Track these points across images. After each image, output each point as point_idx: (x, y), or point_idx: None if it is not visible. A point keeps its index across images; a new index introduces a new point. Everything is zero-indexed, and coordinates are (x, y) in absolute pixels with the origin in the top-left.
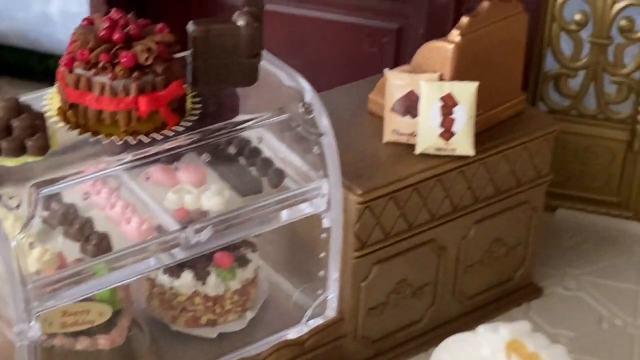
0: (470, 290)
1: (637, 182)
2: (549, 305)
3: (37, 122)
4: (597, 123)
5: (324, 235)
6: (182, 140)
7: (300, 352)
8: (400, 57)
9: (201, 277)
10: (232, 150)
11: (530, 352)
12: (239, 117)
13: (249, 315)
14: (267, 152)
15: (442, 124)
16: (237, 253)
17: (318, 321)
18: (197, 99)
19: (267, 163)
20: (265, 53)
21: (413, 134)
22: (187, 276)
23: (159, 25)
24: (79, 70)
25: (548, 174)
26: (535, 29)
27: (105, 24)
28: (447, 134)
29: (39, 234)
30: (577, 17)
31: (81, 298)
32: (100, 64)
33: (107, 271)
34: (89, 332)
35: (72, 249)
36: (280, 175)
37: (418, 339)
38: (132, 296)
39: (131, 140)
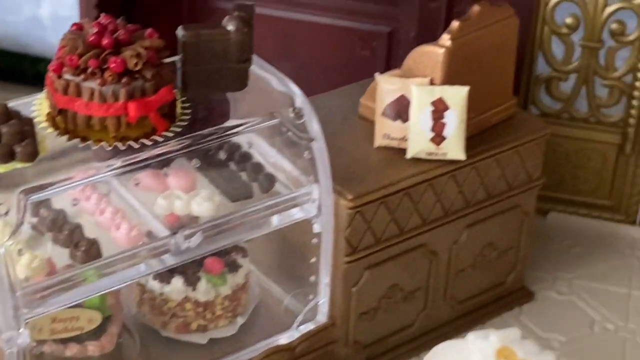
0: (461, 294)
1: (629, 185)
2: (541, 310)
3: (26, 128)
4: (589, 126)
5: (314, 241)
6: (172, 145)
7: (291, 357)
8: (392, 60)
9: (191, 282)
10: (222, 155)
11: (520, 359)
12: (229, 122)
13: (240, 320)
14: (257, 157)
15: (433, 129)
16: (228, 258)
17: (309, 326)
18: (187, 104)
19: (258, 168)
20: (255, 58)
21: (404, 139)
22: (178, 282)
23: (148, 31)
24: (67, 76)
25: (539, 177)
26: (526, 32)
27: (95, 30)
28: (438, 138)
29: (28, 240)
30: (568, 20)
31: (71, 305)
32: (89, 70)
33: (96, 277)
34: (79, 339)
35: (61, 255)
36: (270, 180)
37: (410, 344)
38: (122, 302)
39: (120, 145)
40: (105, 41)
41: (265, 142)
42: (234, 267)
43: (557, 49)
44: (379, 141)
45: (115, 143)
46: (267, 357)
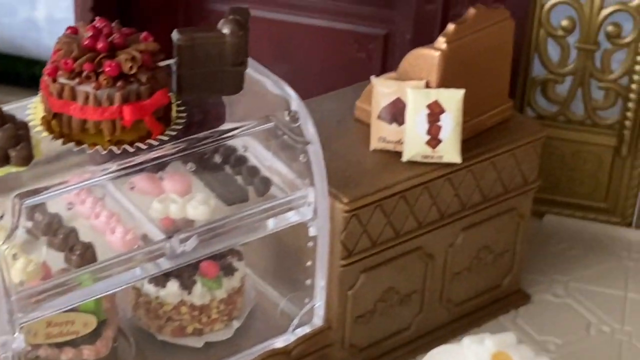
0: (457, 297)
1: (624, 187)
2: (537, 312)
3: (20, 132)
4: (585, 129)
5: (310, 244)
6: (167, 149)
7: None
8: (388, 62)
9: (187, 286)
10: (217, 158)
11: None
12: (225, 126)
13: (236, 324)
14: (253, 161)
15: (429, 132)
16: (223, 262)
17: (305, 330)
18: (182, 108)
19: (253, 171)
20: (250, 61)
21: (400, 142)
22: (173, 286)
23: (143, 34)
24: (62, 80)
25: (535, 180)
26: (522, 34)
27: (89, 33)
28: (434, 141)
29: (23, 244)
30: (564, 22)
31: (66, 309)
32: (84, 73)
33: (91, 282)
34: (74, 343)
35: (56, 259)
36: (266, 183)
37: (406, 347)
38: (117, 306)
39: (116, 149)
40: (100, 45)
41: (261, 146)
42: (229, 270)
43: (553, 51)
44: (374, 144)
45: (110, 147)
46: None
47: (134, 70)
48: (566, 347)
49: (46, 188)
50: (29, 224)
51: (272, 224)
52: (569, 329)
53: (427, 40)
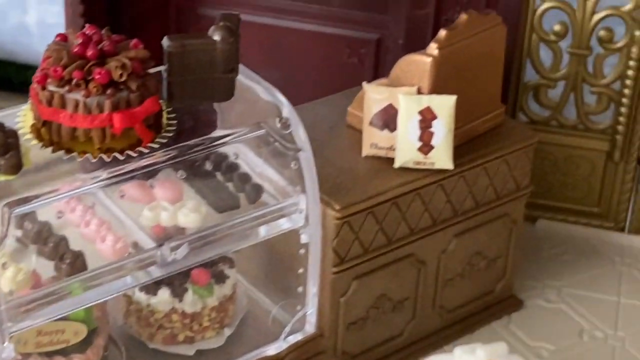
0: (450, 303)
1: (617, 192)
2: (530, 318)
3: (10, 140)
4: (577, 133)
5: (302, 251)
6: (157, 157)
7: None
8: (380, 67)
9: (178, 294)
10: (208, 166)
11: None
12: (216, 133)
13: (227, 331)
14: (244, 168)
15: (421, 138)
16: (215, 269)
17: (297, 337)
18: (173, 115)
19: (245, 178)
20: (241, 67)
21: (392, 148)
22: (164, 293)
23: (134, 41)
24: (52, 87)
25: (528, 186)
26: (514, 39)
27: (79, 40)
28: (426, 147)
29: (13, 253)
30: (557, 27)
31: (56, 318)
32: (74, 81)
33: (82, 290)
34: (64, 352)
35: (46, 268)
36: (257, 190)
37: (398, 354)
38: (108, 314)
39: (106, 157)
40: (89, 52)
41: (252, 153)
42: (220, 278)
43: (545, 56)
44: (366, 150)
45: (100, 155)
46: None
47: (124, 78)
48: (559, 353)
49: (36, 196)
50: (19, 233)
51: (263, 232)
52: (561, 334)
53: (419, 45)
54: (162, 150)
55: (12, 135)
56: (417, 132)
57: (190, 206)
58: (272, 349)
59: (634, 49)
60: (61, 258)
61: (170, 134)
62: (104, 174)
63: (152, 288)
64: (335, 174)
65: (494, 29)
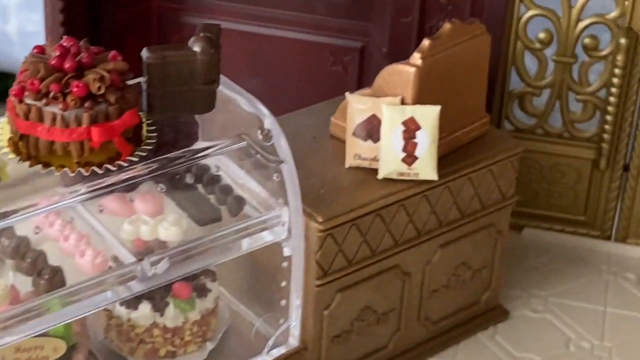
0: (435, 315)
1: (603, 200)
2: (516, 329)
3: None
4: (563, 142)
5: (285, 264)
6: (137, 170)
7: None
8: (364, 75)
9: (159, 308)
10: (189, 178)
11: None
12: (196, 145)
13: (210, 346)
14: (226, 180)
15: (405, 149)
16: (197, 283)
17: (280, 350)
18: (153, 127)
19: (226, 191)
20: (223, 78)
21: (375, 159)
22: (145, 307)
23: (112, 53)
24: (29, 101)
25: (513, 195)
26: (499, 47)
27: (57, 53)
28: (410, 158)
29: None
30: (541, 35)
31: (35, 334)
32: (51, 94)
33: (61, 306)
34: None
35: (24, 283)
36: (239, 203)
37: None
38: (88, 329)
39: (84, 171)
40: (67, 65)
41: (234, 165)
42: (202, 291)
43: (530, 64)
44: (349, 161)
45: (79, 169)
46: None
47: (102, 91)
48: None
49: (14, 211)
50: None
51: (246, 245)
52: (548, 345)
53: (403, 52)
54: (142, 163)
55: None
56: (401, 143)
57: (171, 220)
58: None
59: (620, 57)
60: (39, 273)
61: (150, 147)
62: (82, 188)
63: (132, 302)
64: (319, 186)
65: (478, 38)
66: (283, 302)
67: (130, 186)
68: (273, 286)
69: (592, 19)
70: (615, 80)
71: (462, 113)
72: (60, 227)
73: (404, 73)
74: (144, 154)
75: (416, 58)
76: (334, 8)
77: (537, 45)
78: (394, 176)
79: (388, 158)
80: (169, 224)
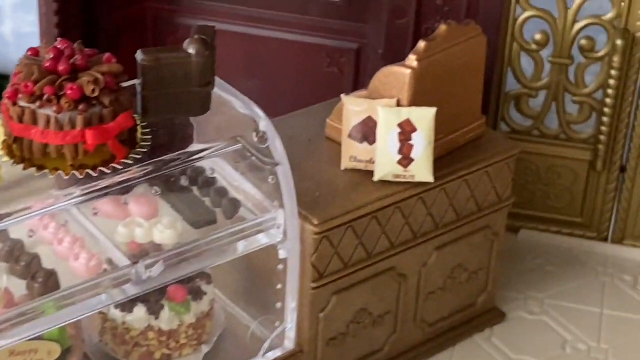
0: (431, 317)
1: (600, 202)
2: (512, 331)
3: None
4: (560, 143)
5: (280, 267)
6: (132, 173)
7: None
8: (360, 77)
9: (154, 311)
10: (184, 181)
11: None
12: (191, 148)
13: (205, 349)
14: (221, 182)
15: (401, 151)
16: (192, 286)
17: (276, 353)
18: (148, 130)
19: (222, 193)
20: (218, 80)
21: (371, 161)
22: (140, 311)
23: (106, 55)
24: (23, 103)
25: (509, 198)
26: (495, 49)
27: (51, 55)
28: (406, 160)
29: None
30: (538, 37)
31: (29, 337)
32: (45, 97)
33: (55, 309)
34: None
35: (19, 287)
36: (235, 205)
37: None
38: (83, 332)
39: (78, 174)
40: (61, 67)
41: (230, 167)
42: (198, 294)
43: (526, 65)
44: (345, 164)
45: (73, 172)
46: None
47: (96, 93)
48: None
49: (8, 214)
50: None
51: (241, 247)
52: (544, 347)
53: (399, 54)
54: (137, 166)
55: None
56: (397, 145)
57: (166, 222)
58: None
59: (616, 58)
60: (34, 277)
61: (145, 150)
62: (77, 191)
63: (127, 305)
64: (314, 188)
65: (474, 39)
66: (279, 305)
67: (125, 189)
68: (269, 289)
69: (588, 20)
70: (611, 82)
71: (458, 115)
72: (54, 230)
73: (399, 75)
74: (138, 156)
75: (412, 60)
76: (329, 9)
77: (534, 47)
78: (390, 178)
79: (384, 160)
80: (163, 227)
